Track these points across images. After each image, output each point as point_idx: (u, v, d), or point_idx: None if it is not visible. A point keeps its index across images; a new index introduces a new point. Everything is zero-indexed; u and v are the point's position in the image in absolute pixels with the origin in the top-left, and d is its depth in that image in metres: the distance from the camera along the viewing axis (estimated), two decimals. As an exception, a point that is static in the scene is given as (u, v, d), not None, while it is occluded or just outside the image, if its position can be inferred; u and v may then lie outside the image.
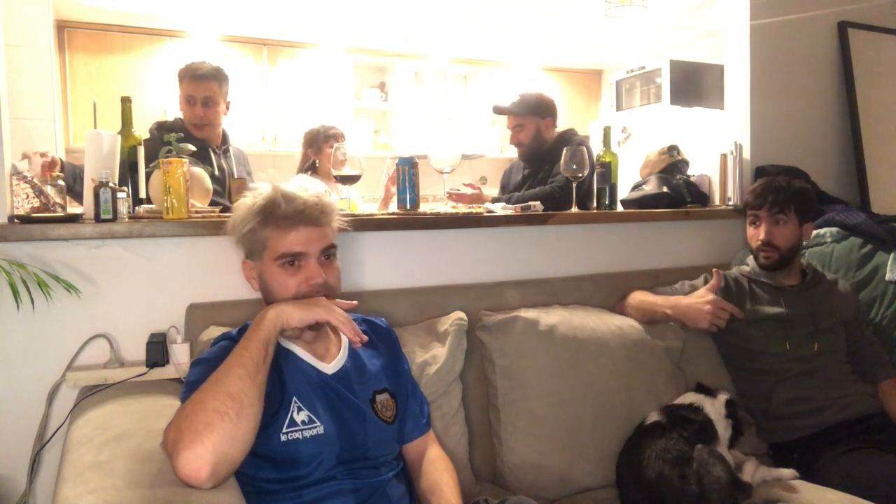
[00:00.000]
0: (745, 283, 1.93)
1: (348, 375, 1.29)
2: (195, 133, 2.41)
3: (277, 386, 1.19)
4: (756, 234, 1.91)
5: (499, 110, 2.79)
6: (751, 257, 2.00)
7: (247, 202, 1.26)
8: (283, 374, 1.22)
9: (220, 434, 0.99)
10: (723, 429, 1.62)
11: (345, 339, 1.32)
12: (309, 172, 3.06)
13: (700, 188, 2.41)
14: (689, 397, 1.70)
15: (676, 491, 1.46)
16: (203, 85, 2.40)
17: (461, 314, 1.68)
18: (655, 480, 1.49)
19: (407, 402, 1.39)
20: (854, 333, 1.92)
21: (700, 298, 1.77)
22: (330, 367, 1.28)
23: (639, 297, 1.90)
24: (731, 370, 1.93)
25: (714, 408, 1.64)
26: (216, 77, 2.44)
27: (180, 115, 2.50)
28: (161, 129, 2.33)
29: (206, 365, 1.14)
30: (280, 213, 1.22)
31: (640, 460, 1.54)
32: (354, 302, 1.27)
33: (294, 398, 1.20)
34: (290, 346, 1.26)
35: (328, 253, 1.27)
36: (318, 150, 3.02)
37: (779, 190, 1.88)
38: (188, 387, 1.15)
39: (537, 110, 2.66)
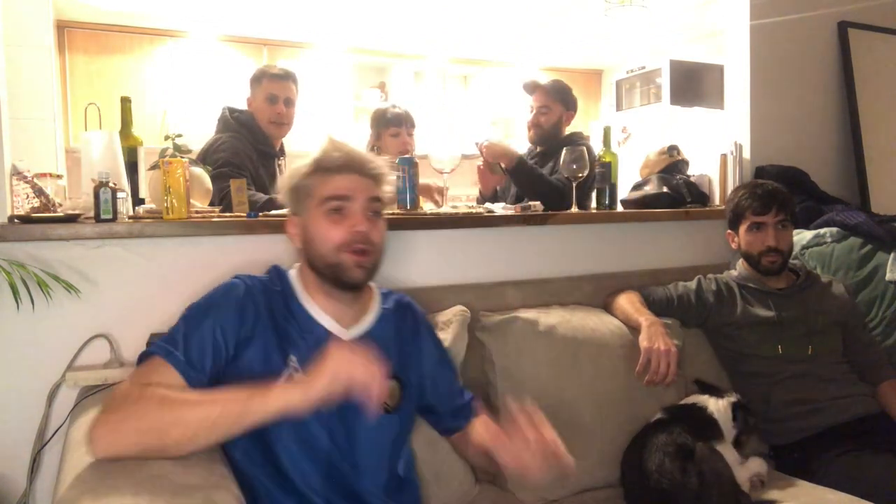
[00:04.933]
0: (735, 288, 1.93)
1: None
2: (273, 131, 2.47)
3: (279, 355, 1.20)
4: (761, 239, 1.88)
5: (534, 85, 2.65)
6: (739, 262, 1.99)
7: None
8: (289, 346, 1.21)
9: (142, 449, 1.02)
10: (728, 430, 1.61)
11: (372, 312, 1.32)
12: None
13: (700, 188, 2.41)
14: (692, 399, 1.70)
15: (678, 483, 1.46)
16: (285, 85, 2.49)
17: (462, 307, 1.69)
18: (656, 471, 1.50)
19: (423, 393, 1.39)
20: (852, 335, 1.92)
21: (666, 341, 1.69)
22: (347, 335, 1.26)
23: (621, 305, 1.87)
24: (728, 372, 1.93)
25: (719, 408, 1.64)
26: (294, 79, 2.54)
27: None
28: (237, 120, 2.39)
29: (200, 311, 1.19)
30: (328, 160, 1.25)
31: (642, 454, 1.55)
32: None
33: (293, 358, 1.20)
34: (313, 312, 1.25)
35: (375, 208, 1.26)
36: (377, 134, 2.70)
37: (782, 196, 1.89)
38: (169, 336, 1.16)
39: (566, 100, 2.63)
